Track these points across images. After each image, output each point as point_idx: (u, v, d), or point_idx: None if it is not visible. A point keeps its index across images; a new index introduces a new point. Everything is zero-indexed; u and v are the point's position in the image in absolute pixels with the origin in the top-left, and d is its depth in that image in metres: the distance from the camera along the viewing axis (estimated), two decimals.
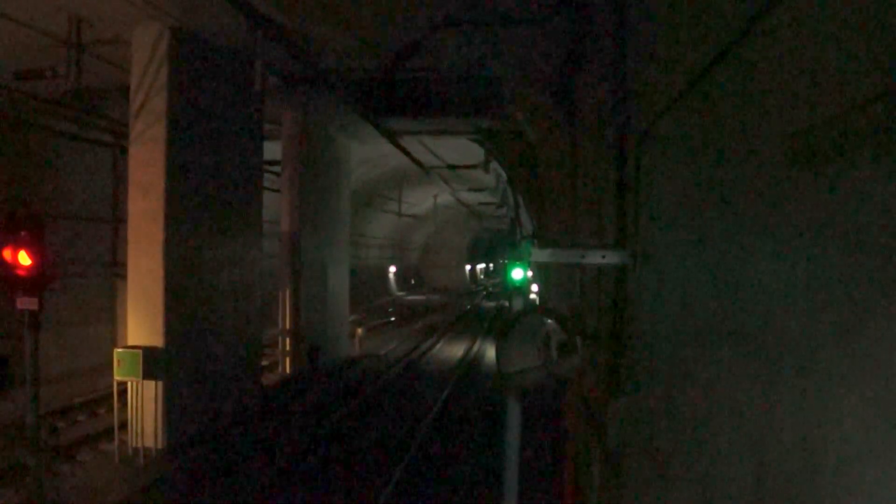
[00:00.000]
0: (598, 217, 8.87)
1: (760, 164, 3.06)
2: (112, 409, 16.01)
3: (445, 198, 56.28)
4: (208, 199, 17.49)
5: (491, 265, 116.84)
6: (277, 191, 25.59)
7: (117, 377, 15.09)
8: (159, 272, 15.88)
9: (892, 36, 1.99)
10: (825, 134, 2.40)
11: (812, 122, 2.52)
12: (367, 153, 36.29)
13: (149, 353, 15.08)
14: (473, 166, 34.79)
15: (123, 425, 15.48)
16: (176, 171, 16.13)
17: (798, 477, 2.56)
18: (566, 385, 10.38)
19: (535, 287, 31.20)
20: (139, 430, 15.38)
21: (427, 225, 75.31)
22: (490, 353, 30.85)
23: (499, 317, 49.27)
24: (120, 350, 15.26)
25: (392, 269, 70.32)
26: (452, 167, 36.86)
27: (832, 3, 2.42)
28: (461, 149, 32.55)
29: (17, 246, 10.28)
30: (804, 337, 2.54)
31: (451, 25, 16.17)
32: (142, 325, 15.99)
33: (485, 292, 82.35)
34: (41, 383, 11.56)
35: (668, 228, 5.06)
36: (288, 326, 24.49)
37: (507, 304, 50.39)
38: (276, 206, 25.55)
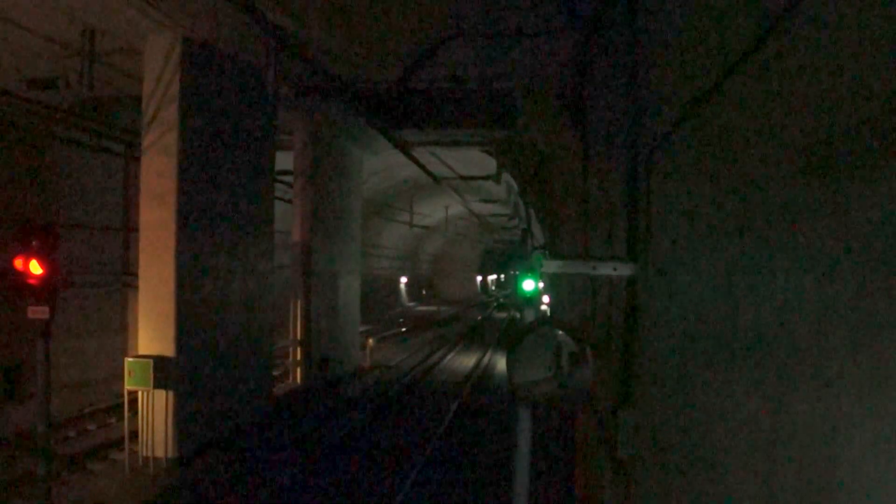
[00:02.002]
0: (609, 229, 8.86)
1: (773, 177, 3.04)
2: (123, 419, 16.00)
3: (457, 209, 56.29)
4: (220, 209, 17.51)
5: (502, 276, 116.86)
6: (289, 201, 25.64)
7: (128, 387, 15.10)
8: (171, 281, 15.89)
9: None
10: (838, 147, 2.39)
11: (825, 135, 2.50)
12: (378, 164, 36.33)
13: (160, 363, 15.10)
14: (485, 177, 34.78)
15: (134, 435, 15.49)
16: (188, 181, 16.16)
17: (809, 489, 2.54)
18: (577, 396, 10.33)
19: (546, 298, 31.17)
20: (150, 440, 15.38)
21: (438, 236, 75.31)
22: (501, 365, 30.80)
23: (509, 329, 49.20)
24: (131, 359, 15.27)
25: (403, 279, 70.32)
26: (464, 178, 36.85)
27: (845, 18, 2.41)
28: (473, 160, 32.56)
29: (29, 255, 10.31)
30: (816, 349, 2.52)
31: (463, 37, 16.21)
32: (153, 335, 15.98)
33: (496, 303, 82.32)
34: (52, 392, 11.58)
35: (679, 240, 5.04)
36: (299, 337, 24.48)
37: (518, 315, 50.31)
38: (287, 216, 25.59)
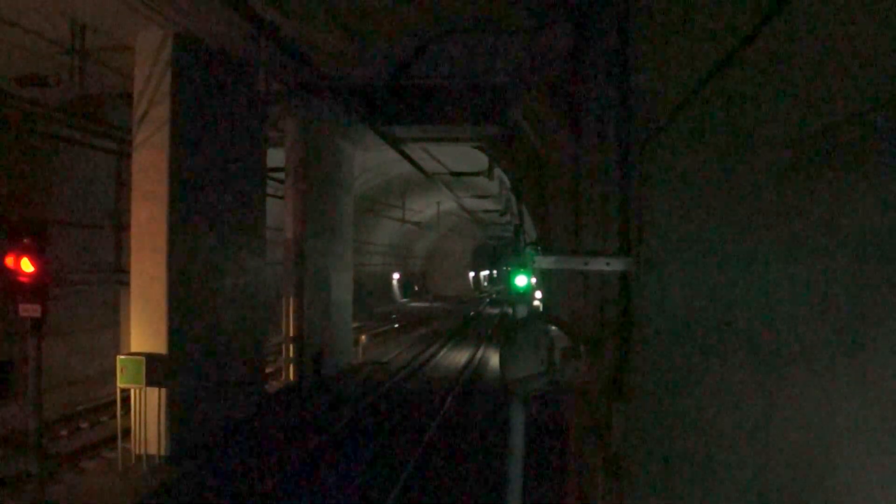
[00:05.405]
0: (601, 223, 8.86)
1: (766, 170, 3.04)
2: (115, 417, 15.96)
3: (449, 205, 56.32)
4: (211, 206, 17.48)
5: (495, 272, 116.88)
6: (281, 197, 25.59)
7: (120, 384, 15.06)
8: (162, 279, 15.86)
9: None
10: (831, 139, 2.38)
11: (818, 127, 2.50)
12: (370, 160, 36.33)
13: (152, 360, 15.05)
14: (477, 173, 34.83)
15: (127, 433, 15.45)
16: (179, 178, 16.11)
17: (802, 482, 2.54)
18: (570, 391, 10.37)
19: (538, 294, 31.18)
20: (142, 438, 15.35)
21: (431, 232, 75.34)
22: (493, 360, 30.82)
23: (502, 324, 49.25)
24: (123, 357, 15.23)
25: (396, 276, 70.35)
26: (456, 174, 36.86)
27: (837, 11, 2.40)
28: (465, 156, 32.58)
29: (20, 253, 10.29)
30: (809, 342, 2.52)
31: (455, 33, 16.19)
32: (145, 332, 15.95)
33: (488, 299, 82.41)
34: (44, 390, 11.55)
35: (672, 234, 5.04)
36: (292, 333, 24.45)
37: (510, 311, 50.45)
38: (279, 213, 25.55)
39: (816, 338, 2.46)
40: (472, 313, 60.95)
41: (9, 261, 10.32)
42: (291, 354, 24.57)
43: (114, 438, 15.75)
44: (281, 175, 25.55)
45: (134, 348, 15.92)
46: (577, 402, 11.19)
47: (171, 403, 15.82)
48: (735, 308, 3.47)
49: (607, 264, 6.58)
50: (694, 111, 4.37)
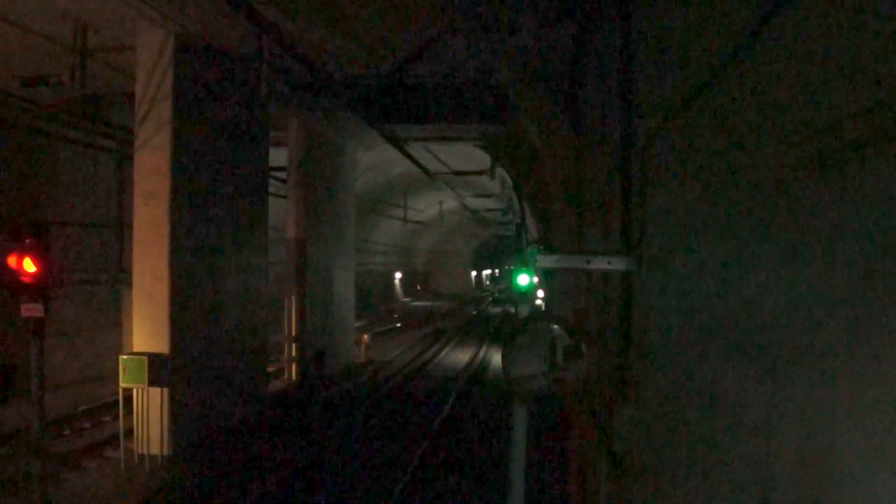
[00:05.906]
0: (603, 223, 8.85)
1: (769, 168, 3.04)
2: (118, 417, 15.96)
3: (451, 204, 56.26)
4: (214, 206, 17.47)
5: (497, 271, 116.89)
6: (283, 197, 25.60)
7: (123, 384, 15.06)
8: (165, 279, 15.86)
9: None
10: (835, 137, 2.38)
11: (821, 125, 2.50)
12: (372, 159, 36.29)
13: (154, 360, 15.05)
14: (479, 172, 34.76)
15: (130, 432, 15.45)
16: (181, 178, 16.11)
17: (805, 483, 2.53)
18: (572, 390, 10.34)
19: (540, 293, 31.17)
20: (145, 438, 15.35)
21: (433, 231, 75.27)
22: (496, 359, 30.77)
23: (504, 323, 49.22)
24: (125, 357, 15.23)
25: (398, 275, 70.31)
26: (458, 173, 36.83)
27: (842, 5, 2.40)
28: (467, 155, 32.55)
29: (22, 253, 10.28)
30: (812, 342, 2.51)
31: (456, 32, 16.17)
32: (147, 332, 15.95)
33: (490, 298, 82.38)
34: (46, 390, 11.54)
35: (674, 234, 5.03)
36: (294, 333, 24.46)
37: (512, 310, 50.47)
38: (281, 211, 25.56)
39: (817, 338, 2.45)
40: (473, 312, 60.93)
41: (11, 261, 10.31)
42: (293, 354, 24.58)
43: (116, 438, 15.75)
44: (283, 174, 25.56)
45: (136, 348, 15.92)
46: (579, 401, 11.18)
47: (174, 403, 15.82)
48: (736, 308, 3.46)
49: (609, 263, 6.57)
50: (695, 111, 4.36)
